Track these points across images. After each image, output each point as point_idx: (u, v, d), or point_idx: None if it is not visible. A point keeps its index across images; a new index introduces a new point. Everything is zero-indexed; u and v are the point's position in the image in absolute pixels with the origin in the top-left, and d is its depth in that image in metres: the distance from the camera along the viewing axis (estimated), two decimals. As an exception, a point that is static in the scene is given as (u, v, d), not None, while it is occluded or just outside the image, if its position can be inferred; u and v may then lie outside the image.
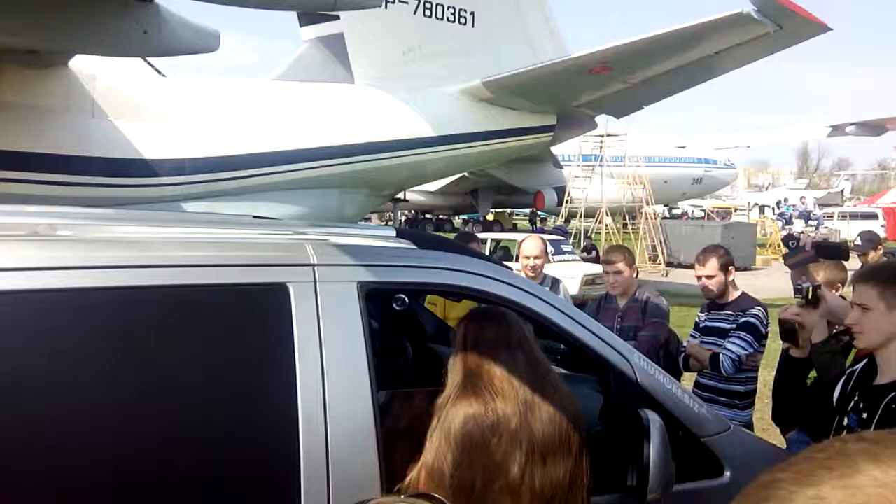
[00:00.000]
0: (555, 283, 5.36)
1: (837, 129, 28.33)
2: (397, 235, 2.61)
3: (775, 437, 4.84)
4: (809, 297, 3.00)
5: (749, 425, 4.33)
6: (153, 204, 9.20)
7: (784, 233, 32.70)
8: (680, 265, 24.56)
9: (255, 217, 3.01)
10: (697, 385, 4.47)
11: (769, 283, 15.97)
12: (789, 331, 2.83)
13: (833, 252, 3.43)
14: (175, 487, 2.04)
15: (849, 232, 33.60)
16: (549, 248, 9.06)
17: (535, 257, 5.30)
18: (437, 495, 1.20)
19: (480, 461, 2.18)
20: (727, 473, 2.87)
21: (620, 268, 4.75)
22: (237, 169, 10.16)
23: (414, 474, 2.26)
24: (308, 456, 2.15)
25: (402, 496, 1.17)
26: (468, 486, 2.18)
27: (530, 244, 5.45)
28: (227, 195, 9.89)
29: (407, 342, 3.75)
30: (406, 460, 2.31)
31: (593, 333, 2.72)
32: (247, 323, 2.24)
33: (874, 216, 38.77)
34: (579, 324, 2.71)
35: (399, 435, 2.56)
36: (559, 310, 2.70)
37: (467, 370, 2.30)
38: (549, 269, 5.71)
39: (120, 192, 9.20)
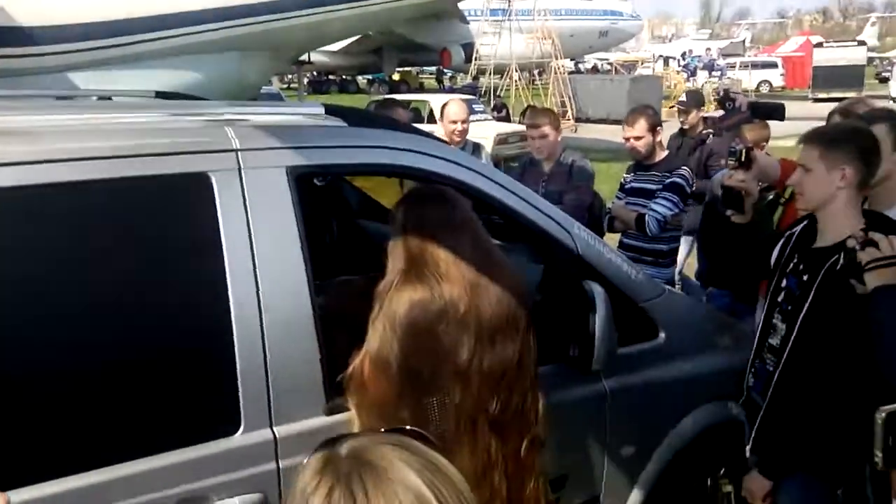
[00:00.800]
0: (476, 149, 5.23)
1: (740, -23, 28.32)
2: (326, 113, 2.41)
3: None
4: (743, 158, 2.98)
5: (671, 282, 4.43)
6: (32, 76, 8.44)
7: (689, 84, 33.21)
8: (588, 120, 24.74)
9: (157, 94, 2.73)
10: (621, 245, 4.51)
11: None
12: (734, 197, 2.82)
13: (769, 112, 3.40)
14: (103, 388, 1.92)
15: (750, 82, 34.41)
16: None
17: (462, 121, 5.11)
18: (419, 430, 1.12)
19: (428, 348, 2.12)
20: (662, 335, 2.93)
21: (546, 131, 4.64)
22: (126, 34, 9.36)
23: (357, 363, 2.18)
24: (244, 349, 2.05)
25: (382, 430, 1.07)
26: (416, 374, 2.13)
27: (455, 108, 5.19)
28: (117, 64, 9.16)
29: (332, 220, 3.61)
30: (347, 349, 2.23)
31: (533, 206, 2.64)
32: (166, 218, 2.05)
33: (774, 65, 39.67)
34: (519, 197, 2.62)
35: (339, 323, 2.46)
36: (498, 183, 2.59)
37: (410, 254, 2.19)
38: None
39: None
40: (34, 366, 1.84)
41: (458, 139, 5.13)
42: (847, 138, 2.49)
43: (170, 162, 2.03)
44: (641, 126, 4.41)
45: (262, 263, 2.08)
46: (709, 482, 3.14)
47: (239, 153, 2.09)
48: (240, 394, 2.04)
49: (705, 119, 6.79)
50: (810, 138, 2.55)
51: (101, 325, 1.94)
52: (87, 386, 1.90)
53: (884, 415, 1.19)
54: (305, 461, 1.02)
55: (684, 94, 7.27)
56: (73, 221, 1.94)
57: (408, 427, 1.14)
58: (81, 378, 1.89)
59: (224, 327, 2.02)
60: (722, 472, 3.09)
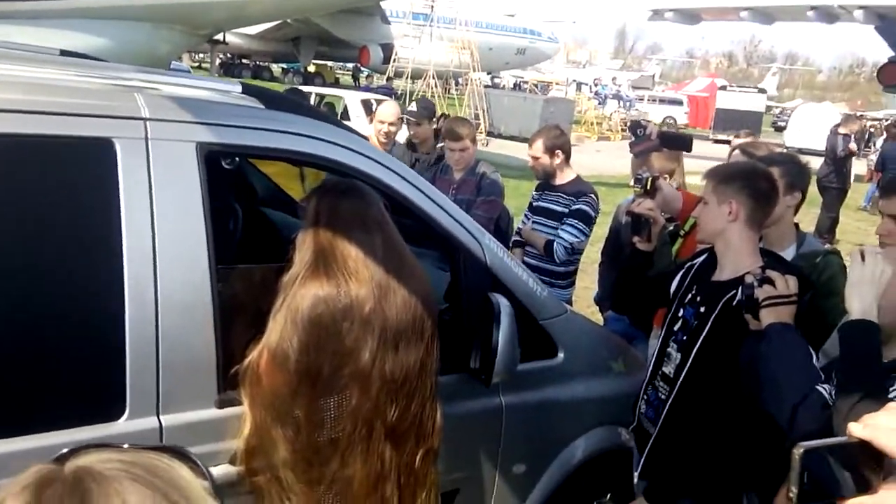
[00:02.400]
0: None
1: (657, 14, 29.27)
2: (243, 92, 2.29)
3: (590, 313, 5.10)
4: (648, 186, 3.03)
5: (569, 302, 4.47)
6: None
7: (599, 111, 34.11)
8: (500, 135, 25.02)
9: (62, 52, 2.55)
10: (524, 264, 4.53)
11: (581, 159, 16.56)
12: (641, 224, 2.86)
13: (677, 143, 3.48)
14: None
15: (656, 116, 35.64)
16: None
17: (391, 123, 5.10)
18: (182, 449, 1.01)
19: (330, 346, 2.04)
20: (560, 354, 2.94)
21: (466, 144, 4.64)
22: (31, -11, 8.87)
23: (255, 355, 2.09)
24: (135, 330, 1.92)
25: (127, 444, 0.96)
26: (315, 372, 2.04)
27: (388, 109, 5.25)
28: (21, 19, 8.65)
29: (237, 205, 3.46)
30: (246, 340, 2.13)
31: (446, 212, 2.60)
32: (63, 182, 1.90)
33: (679, 102, 41.27)
34: (433, 201, 2.57)
35: (239, 313, 2.35)
36: (413, 185, 2.54)
37: (319, 248, 2.11)
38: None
39: None
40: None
41: (384, 139, 5.09)
42: (738, 176, 2.61)
43: (71, 123, 1.88)
44: (538, 147, 4.44)
45: (163, 241, 1.95)
46: (595, 506, 3.18)
47: (147, 122, 1.96)
48: (127, 377, 1.92)
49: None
50: (708, 174, 2.68)
51: None
52: None
53: (802, 451, 1.20)
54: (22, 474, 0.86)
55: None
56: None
57: (171, 445, 1.02)
58: None
59: (115, 306, 1.89)
60: (608, 497, 3.13)
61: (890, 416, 1.23)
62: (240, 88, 2.29)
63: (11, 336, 1.81)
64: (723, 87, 38.81)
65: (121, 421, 1.93)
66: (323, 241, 2.10)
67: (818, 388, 1.97)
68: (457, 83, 29.87)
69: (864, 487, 1.20)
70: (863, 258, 2.00)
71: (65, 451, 0.91)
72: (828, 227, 12.16)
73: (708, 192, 2.60)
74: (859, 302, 1.95)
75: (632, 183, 3.20)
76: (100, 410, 1.92)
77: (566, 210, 4.40)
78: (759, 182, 2.57)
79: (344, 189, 2.22)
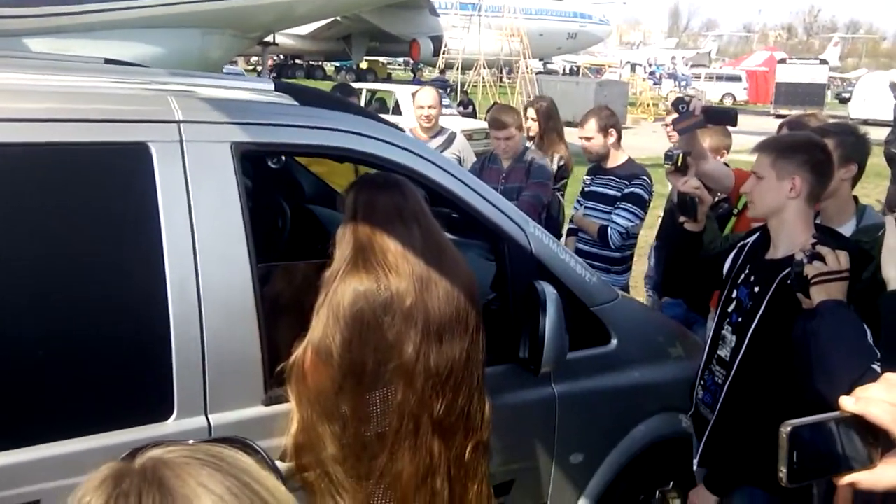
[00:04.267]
0: (451, 138, 5.21)
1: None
2: (276, 90, 2.29)
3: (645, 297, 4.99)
4: (679, 163, 2.94)
5: (626, 288, 4.39)
6: (-13, 38, 8.15)
7: (655, 91, 33.52)
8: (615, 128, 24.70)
9: (106, 61, 2.59)
10: (577, 251, 4.46)
11: (637, 141, 16.37)
12: (688, 205, 2.76)
13: (722, 117, 3.35)
14: (31, 366, 1.80)
15: (714, 93, 34.85)
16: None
17: (430, 106, 5.12)
18: (246, 440, 1.01)
19: (372, 341, 2.02)
20: (614, 341, 2.88)
21: (512, 132, 4.58)
22: (86, 1, 9.09)
23: (299, 353, 2.08)
24: (180, 331, 1.93)
25: (192, 441, 0.96)
26: (358, 367, 2.03)
27: (425, 94, 5.27)
28: (73, 31, 8.87)
29: (284, 203, 3.48)
30: (290, 338, 2.13)
31: (488, 201, 2.56)
32: (101, 188, 1.93)
33: (738, 79, 40.28)
34: (474, 191, 2.54)
35: (281, 309, 2.35)
36: (453, 175, 2.51)
37: (358, 243, 2.09)
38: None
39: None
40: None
41: (426, 124, 5.09)
42: (800, 148, 2.46)
43: (107, 129, 1.91)
44: (591, 127, 4.37)
45: (203, 242, 1.97)
46: (657, 495, 3.10)
47: (181, 125, 1.97)
48: (174, 378, 1.94)
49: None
50: (763, 146, 2.51)
51: (30, 300, 1.82)
52: (14, 363, 1.78)
53: (789, 429, 1.14)
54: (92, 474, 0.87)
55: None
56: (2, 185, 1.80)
57: (235, 437, 1.03)
58: (5, 355, 1.77)
59: (160, 308, 1.91)
60: (671, 485, 3.05)
61: (883, 387, 1.15)
62: (272, 86, 2.29)
63: (59, 341, 1.84)
64: (782, 61, 37.65)
65: (170, 421, 1.95)
66: (361, 235, 2.09)
67: (873, 366, 1.87)
68: (509, 71, 29.68)
69: (860, 463, 1.14)
70: None
71: (131, 450, 0.92)
72: (898, 199, 11.66)
73: (765, 166, 2.46)
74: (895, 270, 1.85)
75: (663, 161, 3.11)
76: (149, 411, 1.94)
77: (619, 194, 4.32)
78: (819, 154, 2.45)
79: (381, 183, 2.20)
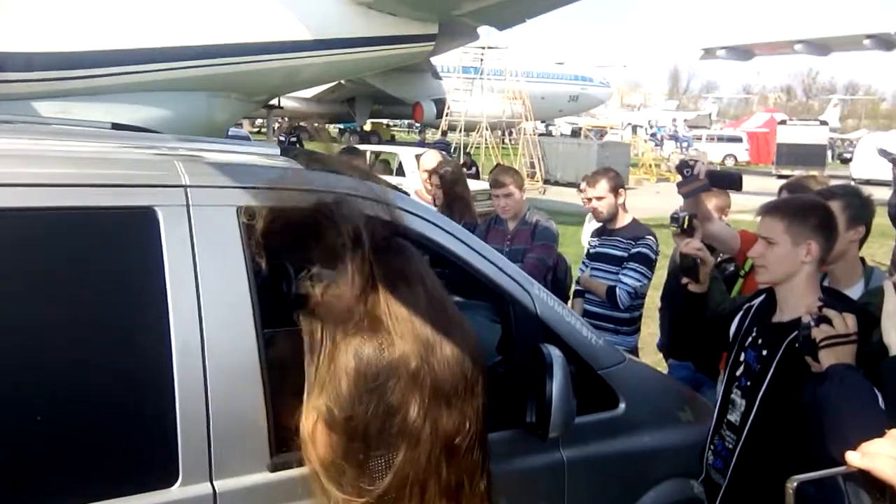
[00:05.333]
0: None
1: (709, 52, 29.21)
2: (282, 154, 2.31)
3: (657, 361, 4.94)
4: (685, 226, 2.94)
5: (634, 350, 4.36)
6: (-3, 103, 8.27)
7: (656, 152, 33.83)
8: (557, 183, 24.96)
9: (113, 126, 2.62)
10: (585, 313, 4.44)
11: (640, 202, 16.43)
12: (690, 266, 2.76)
13: (726, 181, 3.37)
14: (30, 430, 1.76)
15: (715, 154, 35.15)
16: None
17: (434, 170, 5.19)
18: None
19: (375, 405, 1.98)
20: (622, 405, 2.84)
21: (511, 190, 4.61)
22: (92, 66, 9.25)
23: (303, 418, 2.05)
24: (184, 395, 1.90)
25: None
26: (363, 431, 1.99)
27: (430, 157, 5.41)
28: (81, 95, 9.02)
29: (288, 267, 3.48)
30: (295, 402, 2.10)
31: (492, 263, 2.56)
32: (107, 253, 1.92)
33: (739, 139, 40.70)
34: (478, 253, 2.54)
35: (287, 374, 2.32)
36: (457, 238, 2.51)
37: (360, 304, 2.08)
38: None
39: (-43, 87, 8.21)
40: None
41: (430, 188, 5.14)
42: (811, 212, 2.46)
43: (114, 194, 1.92)
44: (603, 187, 4.40)
45: (208, 306, 1.95)
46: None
47: (188, 189, 1.98)
48: (178, 443, 1.90)
49: None
50: (772, 210, 2.50)
51: (34, 366, 1.79)
52: (19, 430, 1.75)
53: (795, 484, 1.13)
54: None
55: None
56: (2, 250, 1.80)
57: None
58: (10, 421, 1.74)
59: (164, 372, 1.89)
60: (683, 552, 2.97)
61: (888, 442, 1.13)
62: (278, 150, 2.30)
63: (63, 406, 1.82)
64: (783, 122, 38.09)
65: (174, 488, 1.91)
66: (364, 296, 2.07)
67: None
68: (510, 133, 30.01)
69: None
70: None
71: None
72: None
73: (777, 231, 2.44)
74: None
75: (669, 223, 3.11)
76: (154, 478, 1.90)
77: (625, 254, 4.33)
78: (828, 217, 2.45)
79: (385, 245, 2.20)
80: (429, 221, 2.42)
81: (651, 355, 5.31)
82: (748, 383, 2.49)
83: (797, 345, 2.26)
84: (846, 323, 2.12)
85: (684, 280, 2.80)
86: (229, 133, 14.58)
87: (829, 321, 2.13)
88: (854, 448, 1.81)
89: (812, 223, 2.42)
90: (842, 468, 1.17)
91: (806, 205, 2.55)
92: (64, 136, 2.11)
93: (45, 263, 1.84)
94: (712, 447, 2.64)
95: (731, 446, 2.52)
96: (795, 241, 2.40)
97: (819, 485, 1.16)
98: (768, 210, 2.53)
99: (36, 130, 2.35)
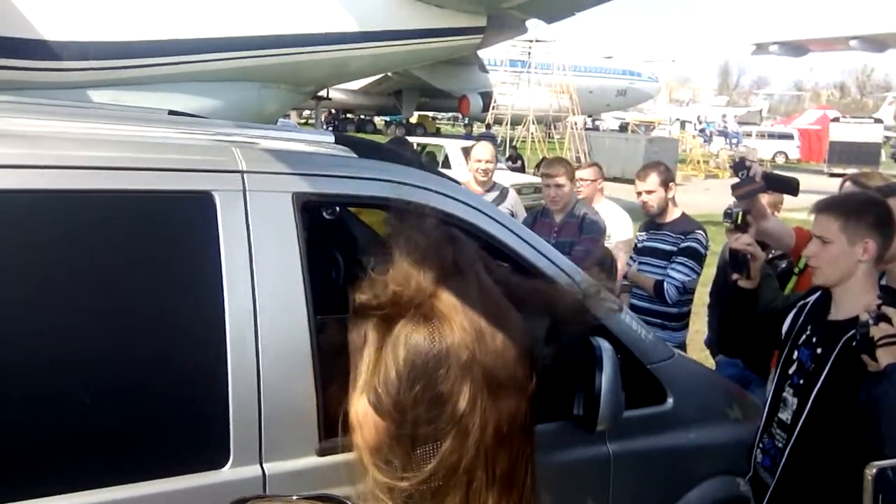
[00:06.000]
0: (503, 193, 5.27)
1: (761, 48, 28.69)
2: (336, 142, 2.33)
3: (703, 357, 4.89)
4: (739, 221, 2.90)
5: (682, 346, 4.31)
6: (53, 91, 8.47)
7: (705, 148, 33.29)
8: (603, 178, 24.67)
9: (170, 113, 2.67)
10: (632, 307, 4.41)
11: (688, 199, 16.18)
12: (740, 262, 2.72)
13: (783, 186, 3.30)
14: (88, 409, 1.81)
15: (765, 151, 34.50)
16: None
17: (487, 161, 5.20)
18: (336, 495, 0.99)
19: (425, 394, 1.99)
20: (670, 400, 2.81)
21: (562, 181, 4.59)
22: (147, 56, 9.43)
23: (353, 405, 2.07)
24: (237, 378, 1.94)
25: (295, 496, 0.94)
26: (412, 420, 2.00)
27: (482, 149, 5.41)
28: (136, 84, 9.20)
29: (338, 255, 3.51)
30: (345, 388, 2.12)
31: (542, 254, 2.55)
32: (166, 236, 1.97)
33: (790, 136, 39.85)
34: (527, 243, 2.53)
35: (337, 360, 2.35)
36: (507, 228, 2.51)
37: (412, 291, 2.09)
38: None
39: (15, 74, 8.42)
40: (11, 383, 1.73)
41: (482, 178, 5.16)
42: (868, 210, 2.39)
43: (173, 178, 1.95)
44: (653, 180, 4.35)
45: (262, 291, 1.99)
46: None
47: (245, 175, 2.01)
48: (230, 425, 1.94)
49: None
50: (828, 208, 2.44)
51: (91, 344, 1.84)
52: (71, 407, 1.79)
53: (874, 470, 1.12)
54: None
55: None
56: (64, 232, 1.85)
57: (330, 494, 1.02)
58: (64, 399, 1.79)
59: (219, 355, 1.93)
60: (727, 551, 2.94)
61: None
62: (332, 139, 2.33)
63: (121, 388, 1.86)
64: (835, 119, 37.20)
65: (225, 469, 1.95)
66: (415, 284, 2.08)
67: None
68: (556, 127, 29.85)
69: None
70: None
71: (233, 501, 0.92)
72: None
73: (833, 231, 2.37)
74: None
75: (723, 219, 3.07)
76: (206, 458, 1.94)
77: (674, 248, 4.28)
78: (885, 215, 2.39)
79: (435, 232, 2.20)
80: (482, 212, 2.43)
81: (698, 352, 5.25)
82: (801, 381, 2.44)
83: (854, 343, 2.22)
84: None
85: (734, 276, 2.76)
86: (278, 123, 14.74)
87: (888, 319, 2.08)
88: None
89: (869, 221, 2.36)
90: None
91: (862, 202, 2.49)
92: (125, 121, 2.16)
93: (104, 247, 1.89)
94: (761, 445, 2.60)
95: (781, 445, 2.48)
96: (851, 239, 2.35)
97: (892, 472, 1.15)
98: (823, 208, 2.46)
99: (94, 114, 2.40)
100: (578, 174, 4.90)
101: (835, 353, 2.32)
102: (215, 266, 1.94)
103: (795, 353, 2.51)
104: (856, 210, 2.40)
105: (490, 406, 2.01)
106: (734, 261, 2.77)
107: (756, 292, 2.75)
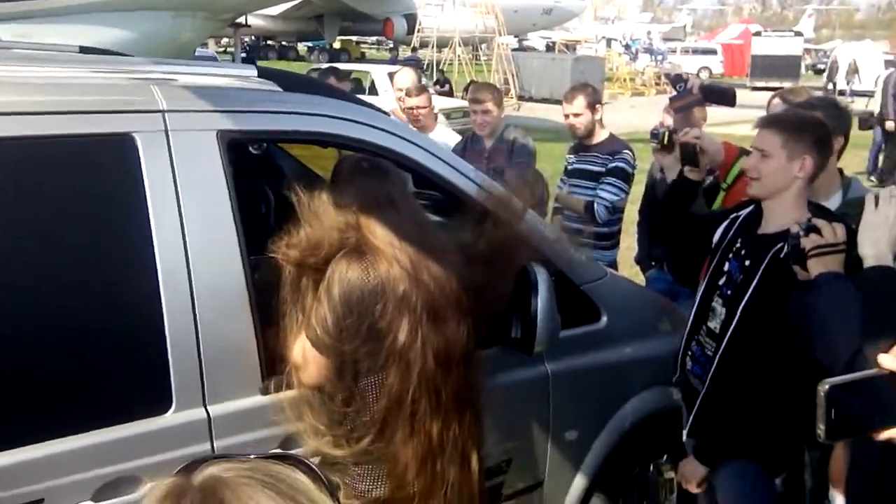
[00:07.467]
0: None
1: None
2: (259, 76, 2.26)
3: (633, 273, 5.01)
4: (665, 141, 2.95)
5: (613, 265, 4.40)
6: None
7: (631, 66, 33.45)
8: (531, 99, 24.72)
9: (81, 49, 2.54)
10: (562, 228, 4.47)
11: (615, 117, 16.35)
12: (690, 153, 2.79)
13: (721, 97, 3.34)
14: (20, 363, 1.78)
15: (689, 67, 34.84)
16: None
17: (418, 106, 5.04)
18: (302, 458, 1.01)
19: (364, 328, 2.01)
20: (604, 318, 2.89)
21: (489, 107, 4.55)
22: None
23: (294, 343, 2.08)
24: (174, 322, 1.93)
25: (253, 455, 0.96)
26: (354, 355, 2.03)
27: (404, 76, 5.21)
28: (40, 16, 8.69)
29: (267, 190, 3.45)
30: (284, 327, 2.12)
31: (474, 182, 2.55)
32: (87, 181, 1.90)
33: (713, 52, 40.28)
34: (459, 172, 2.53)
35: (275, 300, 2.34)
36: (438, 157, 2.50)
37: (346, 229, 2.08)
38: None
39: None
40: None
41: (416, 124, 5.04)
42: (809, 129, 2.46)
43: (91, 121, 1.88)
44: (580, 103, 4.35)
45: (192, 232, 1.95)
46: (651, 468, 3.13)
47: (166, 114, 1.95)
48: (170, 370, 1.93)
49: None
50: (772, 123, 2.51)
51: (20, 297, 1.79)
52: (8, 362, 1.76)
53: (826, 387, 1.17)
54: (152, 486, 0.91)
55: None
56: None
57: (289, 452, 1.04)
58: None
59: (152, 300, 1.90)
60: (664, 458, 3.08)
61: None
62: (255, 72, 2.26)
63: (53, 338, 1.83)
64: (757, 33, 37.66)
65: (168, 414, 1.95)
66: (349, 221, 2.07)
67: None
68: (482, 49, 29.53)
69: None
70: (877, 203, 1.95)
71: (188, 462, 0.93)
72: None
73: (775, 146, 2.43)
74: (872, 247, 1.92)
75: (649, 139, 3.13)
76: (148, 405, 1.94)
77: (603, 169, 4.33)
78: (824, 134, 2.47)
79: (367, 167, 2.19)
80: (410, 142, 2.40)
81: (629, 268, 5.38)
82: (729, 293, 2.53)
83: (783, 255, 2.30)
84: (835, 232, 2.15)
85: (685, 168, 2.83)
86: (196, 54, 14.17)
87: (818, 231, 2.16)
88: (844, 354, 1.87)
89: (810, 140, 2.43)
90: (872, 371, 1.21)
91: (805, 121, 2.55)
92: (35, 62, 2.05)
93: (25, 193, 1.82)
94: (690, 353, 2.70)
95: (710, 353, 2.58)
96: (791, 156, 2.41)
97: (849, 387, 1.20)
98: (767, 123, 2.53)
99: (4, 56, 2.27)
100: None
101: (763, 264, 2.40)
102: (142, 209, 1.90)
103: (726, 264, 2.59)
104: (798, 128, 2.46)
105: (431, 336, 2.06)
106: (685, 153, 2.83)
107: (698, 186, 2.83)
